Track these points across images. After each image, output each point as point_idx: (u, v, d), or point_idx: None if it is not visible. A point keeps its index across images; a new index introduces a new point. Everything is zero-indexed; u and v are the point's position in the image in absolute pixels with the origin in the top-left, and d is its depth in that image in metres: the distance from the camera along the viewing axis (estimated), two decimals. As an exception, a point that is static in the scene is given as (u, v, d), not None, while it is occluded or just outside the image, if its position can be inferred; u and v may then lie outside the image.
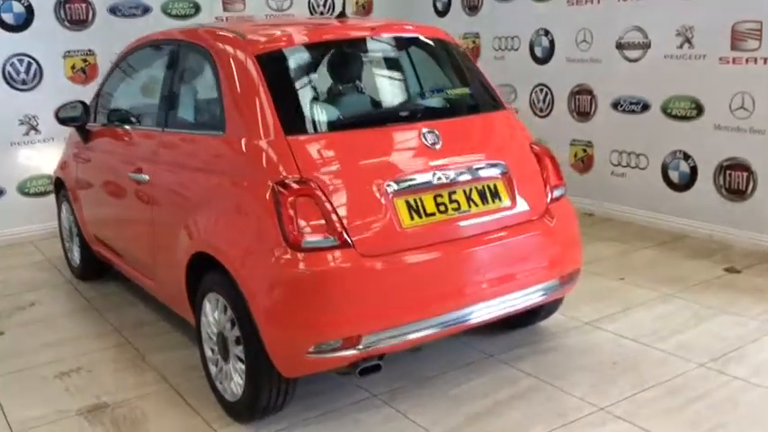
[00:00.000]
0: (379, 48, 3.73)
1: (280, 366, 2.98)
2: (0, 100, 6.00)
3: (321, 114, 3.30)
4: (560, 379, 3.51)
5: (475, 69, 3.81)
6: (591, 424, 3.13)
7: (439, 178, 3.17)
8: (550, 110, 6.61)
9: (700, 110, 5.39)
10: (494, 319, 3.33)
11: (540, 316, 3.94)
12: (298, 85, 3.35)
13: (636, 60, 5.77)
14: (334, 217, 2.94)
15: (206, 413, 3.36)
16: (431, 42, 3.83)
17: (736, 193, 5.24)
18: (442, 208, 3.16)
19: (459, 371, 3.63)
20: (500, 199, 3.33)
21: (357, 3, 7.65)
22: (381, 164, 3.14)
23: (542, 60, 6.59)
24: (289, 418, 3.26)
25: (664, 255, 5.23)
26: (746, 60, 5.02)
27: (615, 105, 6.00)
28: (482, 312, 3.22)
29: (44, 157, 6.09)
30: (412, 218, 3.08)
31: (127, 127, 4.22)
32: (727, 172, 5.28)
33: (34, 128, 6.15)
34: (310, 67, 3.44)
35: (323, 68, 3.54)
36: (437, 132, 3.27)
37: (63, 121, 4.67)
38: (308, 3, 7.33)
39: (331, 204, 2.95)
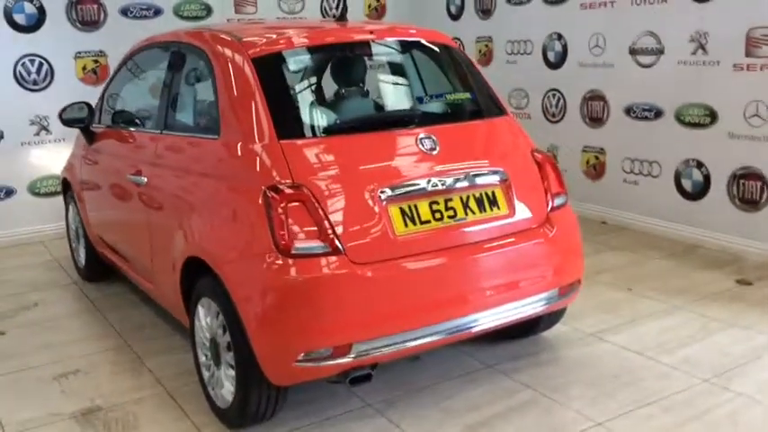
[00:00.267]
0: (377, 52, 3.67)
1: (269, 374, 2.94)
2: (11, 100, 6.05)
3: (316, 119, 3.27)
4: (558, 392, 3.44)
5: (477, 74, 3.74)
6: (587, 439, 3.06)
7: (434, 185, 3.11)
8: (563, 115, 6.52)
9: (713, 117, 5.28)
10: (488, 329, 3.26)
11: (541, 326, 3.87)
12: (293, 88, 3.31)
13: (649, 66, 5.67)
14: (325, 223, 2.89)
15: (197, 419, 3.33)
16: (431, 46, 3.78)
17: (750, 203, 5.13)
18: (437, 215, 3.10)
19: (456, 381, 3.57)
20: (498, 207, 3.26)
21: (369, 6, 7.62)
22: (376, 169, 3.09)
23: (555, 65, 6.51)
24: (280, 426, 3.22)
25: (674, 265, 5.13)
26: (761, 67, 4.91)
27: (628, 111, 5.91)
28: (476, 323, 3.16)
29: (54, 158, 6.11)
30: (406, 225, 3.03)
31: (129, 129, 4.21)
32: (741, 181, 5.16)
33: (45, 128, 6.19)
34: (307, 71, 3.41)
35: (320, 72, 3.50)
36: (435, 138, 3.21)
37: (66, 122, 4.68)
38: (321, 5, 7.30)
39: (323, 210, 2.91)
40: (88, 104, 4.68)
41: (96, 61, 6.32)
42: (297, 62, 3.39)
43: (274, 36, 3.44)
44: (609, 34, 5.97)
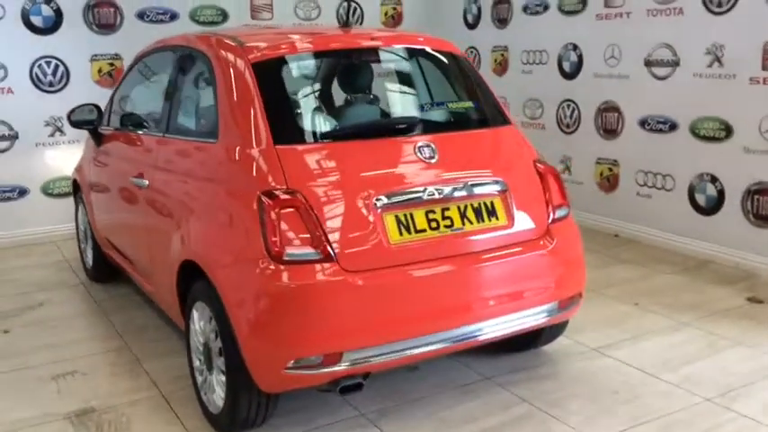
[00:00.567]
0: (379, 59, 3.65)
1: (258, 380, 2.92)
2: (27, 101, 6.10)
3: (314, 125, 3.25)
4: (556, 407, 3.37)
5: (480, 82, 3.70)
6: (580, 456, 3.00)
7: (431, 194, 3.07)
8: (577, 126, 6.45)
9: (729, 131, 5.19)
10: (484, 342, 3.21)
11: (542, 340, 3.80)
12: (292, 94, 3.30)
13: (664, 78, 5.59)
14: (318, 230, 2.87)
15: (190, 423, 3.31)
16: (435, 54, 3.73)
17: (764, 220, 5.02)
18: (433, 224, 3.06)
19: (452, 392, 3.52)
20: (497, 217, 3.21)
21: (386, 14, 7.61)
22: (372, 177, 3.06)
23: (570, 75, 6.45)
24: (270, 433, 3.20)
25: (685, 280, 5.04)
26: (778, 81, 4.82)
27: (642, 124, 5.82)
28: (471, 334, 3.11)
29: (68, 159, 6.15)
30: (401, 234, 2.99)
31: (133, 131, 4.23)
32: (756, 197, 5.06)
33: (59, 129, 6.24)
34: (307, 77, 3.40)
35: (322, 78, 3.48)
36: (434, 146, 3.18)
37: (75, 123, 4.71)
38: (337, 12, 7.31)
39: (316, 216, 2.88)
40: (97, 106, 4.71)
41: (112, 64, 6.36)
42: (297, 68, 3.38)
43: (276, 41, 3.43)
44: (624, 45, 5.89)
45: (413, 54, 3.74)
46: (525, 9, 6.84)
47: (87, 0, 6.21)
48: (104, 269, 5.14)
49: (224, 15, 6.79)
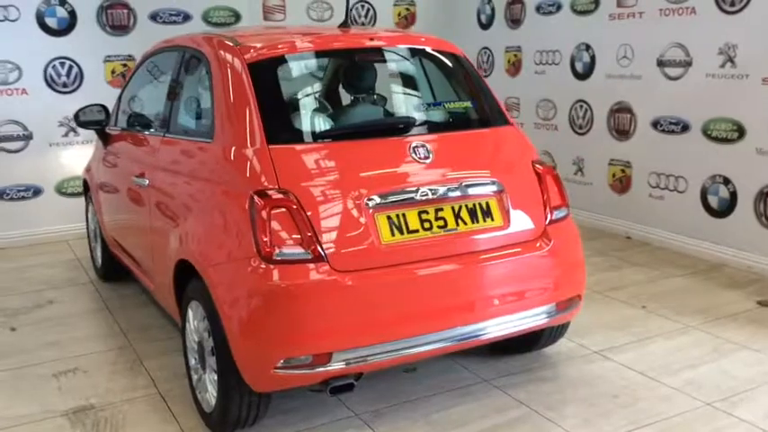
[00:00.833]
0: (378, 59, 3.63)
1: (248, 379, 2.92)
2: (41, 102, 6.18)
3: (308, 125, 3.24)
4: (552, 410, 3.33)
5: (480, 83, 3.66)
6: (574, 460, 2.96)
7: (424, 194, 3.05)
8: (590, 127, 6.38)
9: (741, 132, 5.10)
10: (479, 343, 3.18)
11: (542, 342, 3.76)
12: (287, 94, 3.29)
13: (676, 78, 5.51)
14: (309, 229, 2.86)
15: (185, 422, 3.32)
16: (435, 54, 3.71)
17: (777, 222, 4.94)
18: (426, 225, 3.04)
19: (448, 394, 3.50)
20: (492, 218, 3.18)
21: (399, 15, 7.59)
22: (365, 177, 3.04)
23: (583, 76, 6.38)
24: (263, 433, 3.20)
25: (695, 283, 4.96)
26: (791, 82, 4.73)
27: (655, 125, 5.75)
28: (465, 335, 3.08)
29: (81, 159, 6.19)
30: (393, 234, 2.97)
31: (136, 131, 4.26)
32: (768, 199, 4.97)
33: (73, 130, 6.30)
34: (302, 77, 3.39)
35: (318, 78, 3.47)
36: (428, 146, 3.16)
37: (82, 124, 4.75)
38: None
39: (308, 216, 2.87)
40: (104, 107, 4.75)
41: (125, 65, 6.42)
42: (293, 68, 3.37)
43: (272, 41, 3.43)
44: (637, 45, 5.82)
45: (412, 54, 3.72)
46: (538, 9, 6.78)
47: (101, 1, 6.27)
48: (113, 268, 5.17)
49: (236, 16, 6.82)
